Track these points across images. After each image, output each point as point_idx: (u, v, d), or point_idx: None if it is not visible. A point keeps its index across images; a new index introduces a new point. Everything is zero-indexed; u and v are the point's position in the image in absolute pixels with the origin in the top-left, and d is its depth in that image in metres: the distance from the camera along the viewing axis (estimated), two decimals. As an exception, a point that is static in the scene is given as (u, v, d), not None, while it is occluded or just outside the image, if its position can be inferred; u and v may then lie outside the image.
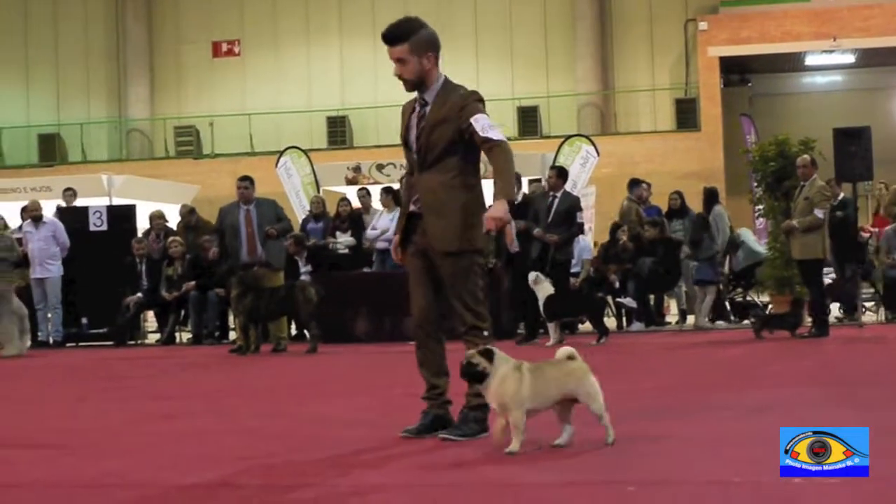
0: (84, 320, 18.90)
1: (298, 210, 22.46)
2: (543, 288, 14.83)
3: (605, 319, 16.33)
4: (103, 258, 18.67)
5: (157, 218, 20.17)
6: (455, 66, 37.27)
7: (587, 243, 19.25)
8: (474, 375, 6.12)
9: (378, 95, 36.30)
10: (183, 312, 18.61)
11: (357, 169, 23.75)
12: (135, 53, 39.20)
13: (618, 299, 18.00)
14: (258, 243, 15.53)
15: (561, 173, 16.48)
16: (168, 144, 38.27)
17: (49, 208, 19.51)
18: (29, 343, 16.89)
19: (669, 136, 34.90)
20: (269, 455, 6.30)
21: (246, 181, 15.83)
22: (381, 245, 18.29)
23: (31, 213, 18.80)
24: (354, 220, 19.08)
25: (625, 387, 8.91)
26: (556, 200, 15.84)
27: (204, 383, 12.17)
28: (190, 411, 8.99)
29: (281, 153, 24.62)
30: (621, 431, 6.14)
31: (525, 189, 17.85)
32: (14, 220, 19.73)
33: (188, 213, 20.07)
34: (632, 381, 9.82)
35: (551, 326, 15.06)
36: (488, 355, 6.12)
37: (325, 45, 38.47)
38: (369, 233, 18.55)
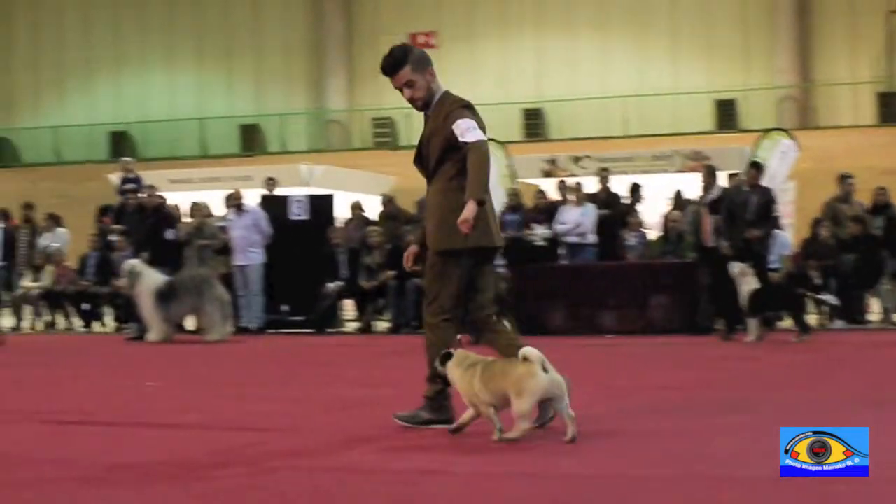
0: (284, 307, 19.27)
1: (495, 202, 22.50)
2: (748, 281, 14.57)
3: (806, 316, 15.98)
4: (303, 247, 19.01)
5: (356, 208, 20.48)
6: (651, 62, 37.08)
7: (786, 238, 18.87)
8: (444, 380, 6.80)
9: (575, 87, 36.21)
10: (381, 301, 18.82)
11: (553, 161, 23.71)
12: (334, 45, 39.80)
13: (818, 296, 17.59)
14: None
15: (758, 167, 16.23)
16: (365, 135, 38.79)
17: (250, 197, 19.94)
18: (231, 329, 17.29)
19: (870, 131, 33.93)
20: (477, 444, 6.36)
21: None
22: (571, 239, 18.25)
23: (234, 202, 19.26)
24: (551, 213, 19.05)
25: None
26: (754, 195, 15.61)
27: (401, 372, 12.29)
28: (387, 399, 9.10)
29: (476, 145, 24.64)
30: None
31: (725, 183, 17.61)
32: (219, 209, 20.22)
33: (388, 201, 20.34)
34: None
35: (752, 322, 14.77)
36: (445, 359, 6.70)
37: (520, 37, 38.48)
38: (558, 227, 18.51)
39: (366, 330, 18.72)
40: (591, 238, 18.46)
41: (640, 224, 18.79)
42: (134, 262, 17.05)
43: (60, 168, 38.76)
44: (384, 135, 38.26)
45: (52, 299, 20.93)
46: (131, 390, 10.31)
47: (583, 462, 5.87)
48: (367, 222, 20.11)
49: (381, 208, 20.65)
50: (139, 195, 19.88)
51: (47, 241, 21.38)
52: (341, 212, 20.69)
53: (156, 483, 5.48)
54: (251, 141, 39.07)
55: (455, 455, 6.13)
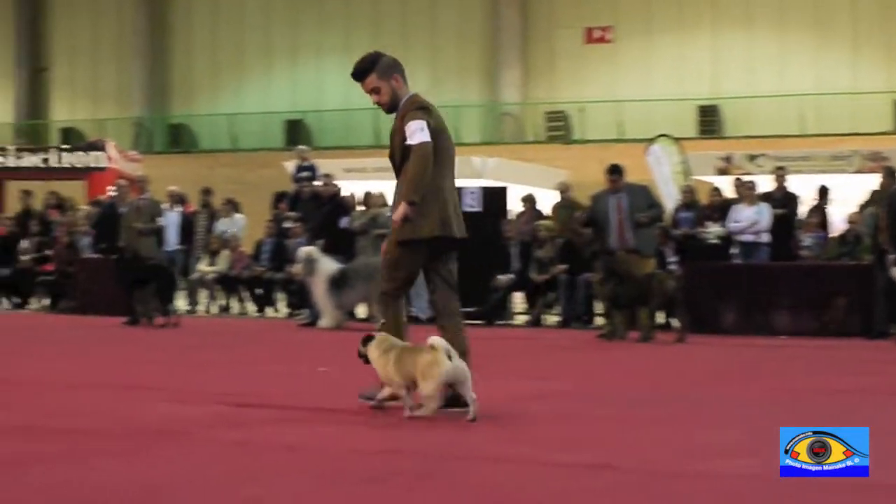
0: (455, 298, 19.34)
1: (667, 198, 22.31)
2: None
3: None
4: (475, 238, 18.96)
5: (528, 201, 20.48)
6: (830, 60, 36.34)
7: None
8: (363, 359, 7.43)
9: (752, 84, 35.69)
10: (552, 295, 18.78)
11: (728, 159, 23.42)
12: (509, 38, 39.85)
13: None
14: (628, 230, 15.49)
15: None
16: (538, 129, 38.78)
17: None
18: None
19: None
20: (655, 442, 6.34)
21: (615, 174, 15.74)
22: (746, 238, 17.99)
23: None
24: (725, 211, 18.79)
25: None
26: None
27: (571, 366, 12.30)
28: (558, 393, 9.10)
29: (651, 141, 24.49)
30: None
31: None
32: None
33: (564, 190, 20.29)
34: None
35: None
36: (367, 341, 7.39)
37: (697, 33, 38.05)
38: (732, 226, 18.24)
39: (535, 323, 18.72)
40: (766, 237, 18.16)
41: (818, 225, 18.46)
42: (309, 250, 17.33)
43: (236, 155, 39.57)
44: (557, 128, 38.17)
45: (227, 283, 21.38)
46: (304, 375, 10.48)
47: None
48: (540, 216, 20.08)
49: (556, 199, 20.60)
50: (314, 183, 20.20)
51: (224, 226, 21.83)
52: (514, 204, 20.70)
53: (332, 465, 5.56)
54: (425, 132, 39.35)
55: (620, 450, 6.09)
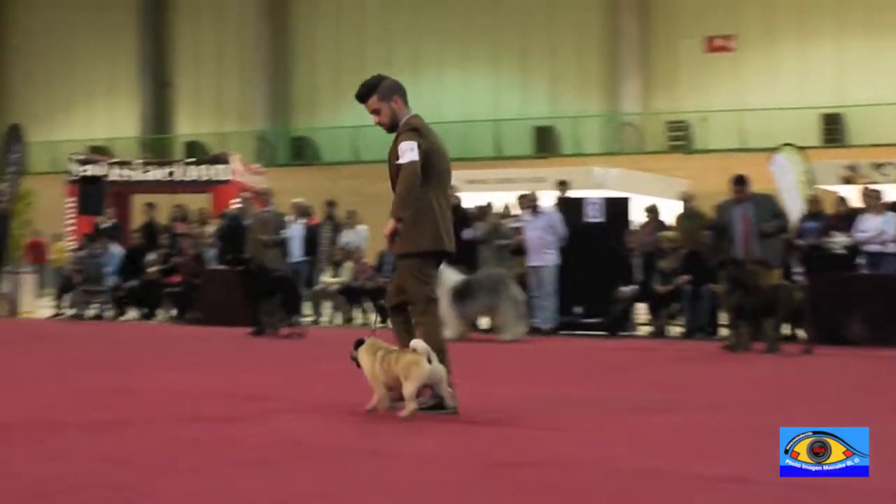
0: (577, 309, 19.31)
1: (791, 208, 22.01)
2: None
3: None
4: (597, 249, 19.00)
5: (651, 212, 20.37)
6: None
7: None
8: (354, 362, 8.00)
9: (877, 92, 35.10)
10: (675, 306, 18.64)
11: (853, 168, 23.02)
12: (629, 48, 39.72)
13: None
14: (753, 241, 15.33)
15: None
16: (659, 139, 38.55)
17: (544, 199, 20.05)
18: (525, 329, 17.46)
19: None
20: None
21: (740, 184, 15.61)
22: (872, 248, 17.68)
23: (529, 203, 19.43)
24: (851, 220, 18.49)
25: None
26: None
27: (695, 377, 12.20)
28: (683, 403, 9.03)
29: (775, 150, 24.19)
30: None
31: None
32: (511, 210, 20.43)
33: (688, 199, 20.14)
34: None
35: None
36: (358, 345, 8.02)
37: (819, 41, 37.60)
38: (858, 236, 17.94)
39: (659, 334, 18.60)
40: (893, 247, 17.83)
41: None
42: (431, 261, 17.39)
43: (358, 167, 39.88)
44: (679, 138, 37.93)
45: (351, 294, 21.57)
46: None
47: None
48: (662, 226, 19.96)
49: (678, 209, 20.46)
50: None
51: (348, 237, 22.04)
52: (635, 215, 20.59)
53: (466, 478, 5.59)
54: (545, 143, 39.33)
55: (753, 462, 6.03)
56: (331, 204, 23.16)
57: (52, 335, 18.26)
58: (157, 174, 28.31)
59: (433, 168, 8.09)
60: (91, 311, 22.94)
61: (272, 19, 44.54)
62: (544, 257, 18.94)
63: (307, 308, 21.36)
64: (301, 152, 43.03)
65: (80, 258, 23.65)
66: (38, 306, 25.32)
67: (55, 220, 31.55)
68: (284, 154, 43.24)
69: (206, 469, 5.84)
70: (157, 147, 43.74)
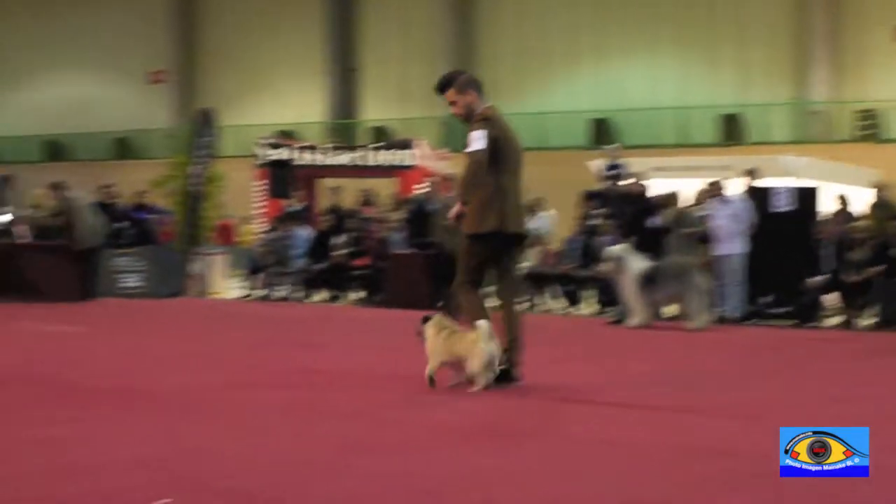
0: (765, 298, 19.00)
1: None
2: None
3: None
4: (786, 238, 18.67)
5: (841, 201, 19.95)
6: None
7: None
8: (420, 336, 8.52)
9: None
10: (867, 297, 18.21)
11: None
12: (817, 35, 38.92)
13: None
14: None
15: None
16: (848, 127, 37.68)
17: (730, 187, 19.78)
18: (711, 317, 17.27)
19: None
20: None
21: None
22: None
23: (716, 192, 19.21)
24: None
25: None
26: None
27: (883, 371, 11.90)
28: (863, 398, 8.83)
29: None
30: None
31: None
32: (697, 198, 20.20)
33: (881, 189, 19.66)
34: None
35: None
36: (425, 321, 8.57)
37: None
38: None
39: (848, 325, 18.19)
40: None
41: None
42: (618, 248, 17.36)
43: (541, 153, 39.84)
44: (868, 127, 37.01)
45: (536, 280, 21.59)
46: (614, 372, 10.53)
47: None
48: (851, 217, 19.52)
49: (870, 198, 19.98)
50: (623, 182, 20.21)
51: (534, 223, 22.06)
52: (824, 204, 20.17)
53: (652, 463, 5.58)
54: (731, 131, 38.77)
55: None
56: (515, 190, 23.18)
57: (241, 315, 18.70)
58: (343, 159, 28.71)
59: (503, 155, 8.66)
60: (279, 293, 23.41)
61: (458, 8, 44.82)
62: (731, 246, 18.69)
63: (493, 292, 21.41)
64: (484, 138, 43.17)
65: (269, 240, 24.16)
66: (227, 287, 25.92)
67: (244, 202, 32.31)
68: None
69: (407, 447, 5.93)
70: (343, 132, 44.35)
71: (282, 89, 48.04)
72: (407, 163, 28.15)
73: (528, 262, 21.21)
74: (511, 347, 8.67)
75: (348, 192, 25.51)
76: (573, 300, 21.29)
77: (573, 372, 10.44)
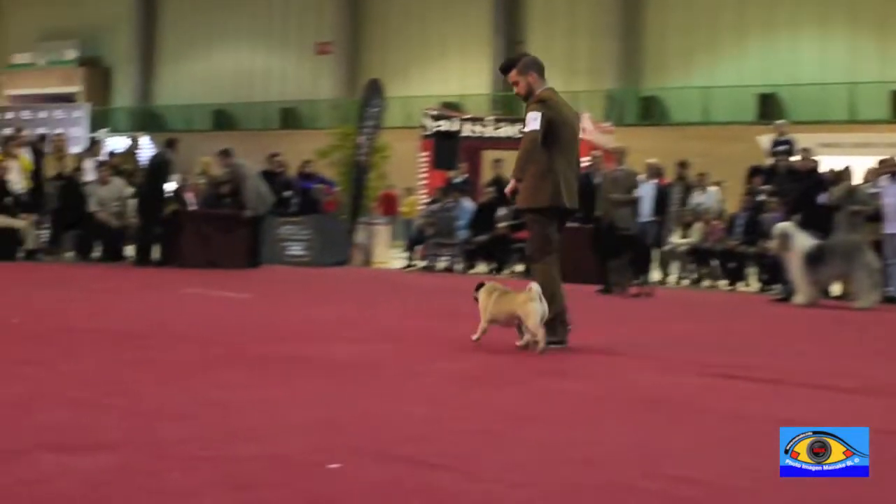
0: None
1: None
2: None
3: None
4: None
5: None
6: None
7: None
8: (475, 300, 9.20)
9: None
10: None
11: None
12: None
13: None
14: None
15: None
16: None
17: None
18: (879, 297, 16.95)
19: None
20: None
21: None
22: None
23: (888, 169, 18.80)
24: None
25: None
26: None
27: None
28: None
29: None
30: None
31: None
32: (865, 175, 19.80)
33: None
34: None
35: None
36: (478, 287, 9.24)
37: None
38: None
39: None
40: None
41: None
42: (785, 225, 17.10)
43: (707, 128, 39.45)
44: None
45: (700, 256, 21.41)
46: (782, 351, 10.40)
47: None
48: None
49: None
50: (791, 158, 19.89)
51: (699, 199, 21.87)
52: None
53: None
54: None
55: None
56: (683, 165, 23.00)
57: (405, 285, 18.90)
58: (507, 131, 28.71)
59: (558, 136, 9.08)
60: (441, 264, 23.60)
61: (624, -20, 44.49)
62: (904, 225, 18.30)
63: (655, 268, 21.33)
64: (649, 112, 42.84)
65: (433, 212, 24.36)
66: (390, 257, 26.22)
67: (407, 173, 32.59)
68: (632, 113, 43.15)
69: (565, 419, 5.96)
70: (507, 104, 44.39)
71: (447, 61, 48.23)
72: (575, 135, 28.03)
73: (692, 237, 21.05)
74: (559, 313, 9.19)
75: (510, 164, 25.51)
76: (737, 277, 21.05)
77: (742, 347, 10.34)
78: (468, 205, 23.85)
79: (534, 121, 8.97)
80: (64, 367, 7.07)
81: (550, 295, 8.91)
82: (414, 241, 24.78)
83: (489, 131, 28.80)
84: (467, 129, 28.47)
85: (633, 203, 18.48)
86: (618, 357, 9.05)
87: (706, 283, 21.39)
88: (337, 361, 7.98)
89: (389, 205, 33.95)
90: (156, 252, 20.12)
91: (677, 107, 42.26)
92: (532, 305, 8.68)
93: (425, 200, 27.17)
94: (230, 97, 54.03)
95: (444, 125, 28.41)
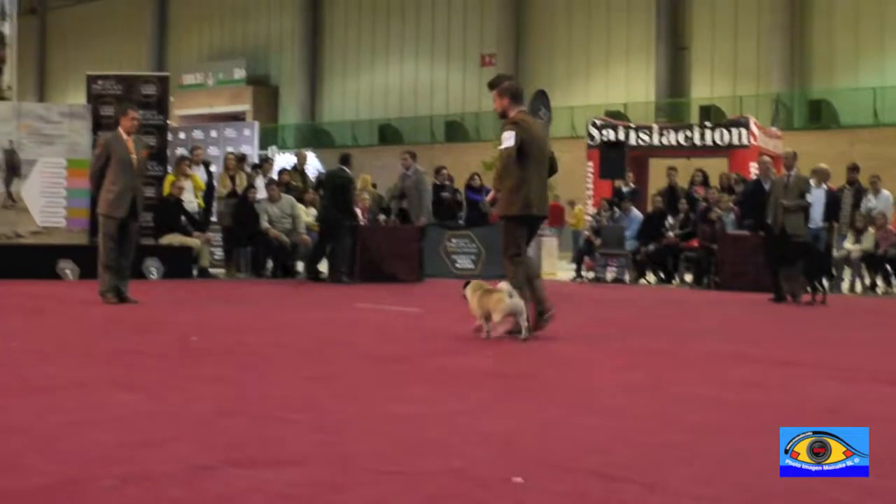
0: None
1: None
2: None
3: None
4: None
5: None
6: None
7: None
8: (463, 298, 10.43)
9: None
10: None
11: None
12: None
13: None
14: None
15: None
16: None
17: None
18: None
19: None
20: None
21: None
22: None
23: None
24: None
25: None
26: None
27: None
28: None
29: None
30: None
31: None
32: None
33: None
34: None
35: None
36: (465, 285, 10.51)
37: None
38: None
39: None
40: None
41: None
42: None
43: (878, 130, 38.53)
44: None
45: (873, 262, 20.92)
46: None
47: None
48: None
49: None
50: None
51: (871, 203, 21.38)
52: None
53: None
54: None
55: None
56: (853, 169, 22.48)
57: (574, 297, 18.83)
58: (674, 138, 28.47)
59: (529, 152, 10.54)
60: (610, 275, 23.46)
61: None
62: None
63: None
64: (818, 115, 42.02)
65: (600, 222, 24.23)
66: (558, 268, 26.14)
67: (572, 184, 32.53)
68: (800, 117, 42.39)
69: (754, 429, 5.88)
70: (671, 111, 44.01)
71: (611, 69, 47.96)
72: (740, 141, 27.66)
73: (865, 243, 20.59)
74: (541, 310, 10.61)
75: (680, 173, 25.24)
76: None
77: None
78: (636, 214, 23.66)
79: (508, 139, 10.45)
80: (245, 383, 7.23)
81: (518, 289, 10.20)
82: (582, 252, 24.66)
83: (654, 139, 28.56)
84: (633, 138, 28.26)
85: (805, 209, 18.12)
86: (797, 367, 8.92)
87: (880, 289, 20.88)
88: (511, 374, 8.01)
89: (556, 216, 33.90)
90: (323, 267, 20.39)
91: (846, 109, 41.34)
92: (501, 305, 9.91)
93: (592, 211, 27.04)
94: (395, 112, 54.60)
95: (610, 134, 28.24)
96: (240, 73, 60.43)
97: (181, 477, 4.52)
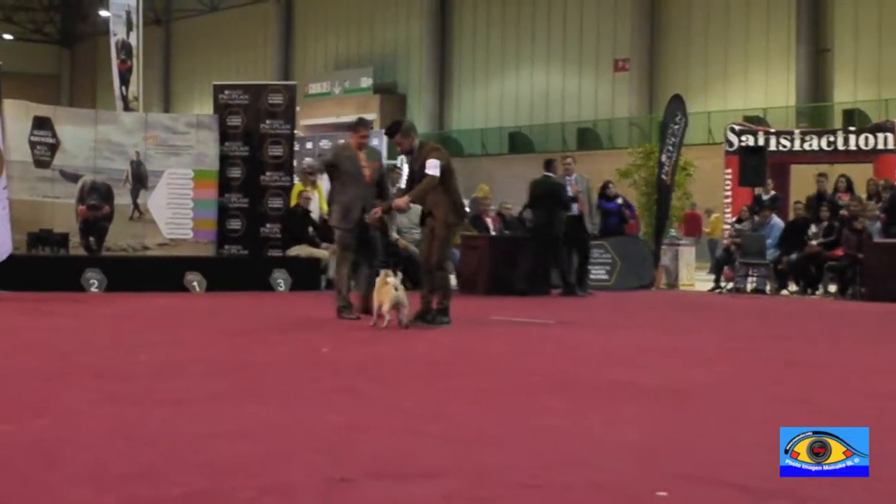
0: None
1: None
2: None
3: None
4: None
5: None
6: None
7: None
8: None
9: None
10: None
11: None
12: None
13: None
14: None
15: None
16: None
17: None
18: None
19: None
20: None
21: None
22: None
23: None
24: None
25: None
26: None
27: None
28: None
29: None
30: None
31: None
32: None
33: None
34: None
35: None
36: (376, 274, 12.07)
37: None
38: None
39: None
40: None
41: None
42: None
43: None
44: None
45: None
46: None
47: None
48: None
49: None
50: None
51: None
52: None
53: None
54: None
55: None
56: None
57: (715, 308, 18.51)
58: (816, 144, 27.89)
59: (449, 174, 12.25)
60: (751, 285, 22.99)
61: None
62: None
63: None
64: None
65: (740, 230, 23.76)
66: (696, 279, 25.72)
67: (709, 192, 32.05)
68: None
69: None
70: (813, 116, 43.13)
71: (749, 74, 47.07)
72: (885, 146, 26.94)
73: None
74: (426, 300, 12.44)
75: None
76: None
77: None
78: (778, 222, 23.13)
79: (434, 168, 12.00)
80: (377, 395, 7.18)
81: (444, 291, 12.42)
82: (721, 261, 24.19)
83: (796, 145, 28.00)
84: (773, 144, 27.70)
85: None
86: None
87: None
88: (652, 386, 7.83)
89: (693, 225, 33.39)
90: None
91: None
92: (387, 296, 11.32)
93: (731, 219, 26.56)
94: (525, 119, 54.37)
95: (750, 140, 27.71)
96: (367, 82, 60.59)
97: (319, 489, 4.45)
